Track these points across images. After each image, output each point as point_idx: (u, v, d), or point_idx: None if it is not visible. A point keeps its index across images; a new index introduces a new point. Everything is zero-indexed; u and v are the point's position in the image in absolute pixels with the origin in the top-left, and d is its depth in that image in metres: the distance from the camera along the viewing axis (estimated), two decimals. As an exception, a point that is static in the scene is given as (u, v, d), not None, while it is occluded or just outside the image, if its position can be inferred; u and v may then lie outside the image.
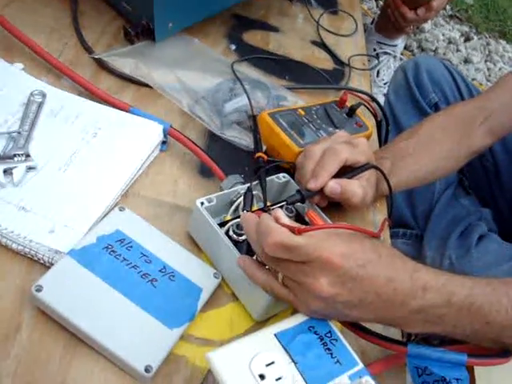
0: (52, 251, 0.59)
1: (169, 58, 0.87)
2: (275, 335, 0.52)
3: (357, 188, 0.68)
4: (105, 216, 0.63)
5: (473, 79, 2.04)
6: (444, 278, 0.54)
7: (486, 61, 2.17)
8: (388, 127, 1.03)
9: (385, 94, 1.53)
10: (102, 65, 0.85)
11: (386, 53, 1.60)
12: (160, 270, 0.60)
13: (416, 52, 2.04)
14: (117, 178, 0.68)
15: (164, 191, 0.72)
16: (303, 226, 0.51)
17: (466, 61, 2.13)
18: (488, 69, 2.14)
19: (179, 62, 0.86)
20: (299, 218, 0.70)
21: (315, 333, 0.54)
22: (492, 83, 2.08)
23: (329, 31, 1.16)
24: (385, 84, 1.60)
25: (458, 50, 2.15)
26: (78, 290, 0.55)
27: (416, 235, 1.11)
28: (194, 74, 0.85)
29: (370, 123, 0.91)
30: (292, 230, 0.50)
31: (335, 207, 0.74)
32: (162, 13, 0.87)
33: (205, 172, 0.75)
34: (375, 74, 1.59)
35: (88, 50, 0.87)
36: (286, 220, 0.53)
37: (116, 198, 0.67)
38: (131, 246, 0.61)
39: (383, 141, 1.01)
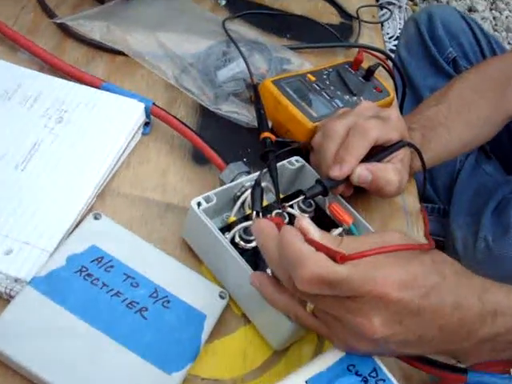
0: (10, 279, 0.45)
1: (147, 19, 0.71)
2: (307, 382, 0.40)
3: (391, 174, 0.54)
4: (76, 227, 0.50)
5: (479, 29, 1.88)
6: None
7: (491, 9, 2.01)
8: (405, 89, 0.89)
9: (393, 50, 1.38)
10: (67, 31, 0.70)
11: (390, 3, 1.44)
12: (151, 296, 0.47)
13: (418, 2, 1.87)
14: (90, 173, 0.54)
15: (150, 186, 0.58)
16: (344, 251, 0.37)
17: (471, 9, 1.97)
18: (494, 17, 1.98)
19: (160, 22, 0.71)
20: (318, 210, 0.57)
21: (357, 373, 0.42)
22: (499, 33, 1.93)
23: (331, -20, 1.00)
24: (390, 38, 1.44)
25: (461, -2, 1.99)
26: (45, 332, 0.42)
27: (439, 209, 0.99)
28: (178, 36, 0.70)
29: (390, 87, 0.77)
30: (332, 256, 0.37)
31: (357, 191, 0.60)
32: (135, -37, 0.71)
33: (199, 158, 0.61)
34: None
35: (49, 13, 0.72)
36: (316, 234, 0.39)
37: (90, 201, 0.53)
38: (112, 266, 0.48)
39: (398, 104, 0.87)
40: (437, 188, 1.00)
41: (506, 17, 1.99)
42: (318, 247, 0.38)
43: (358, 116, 0.55)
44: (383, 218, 0.64)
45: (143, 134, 0.62)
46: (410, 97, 1.00)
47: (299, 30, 0.85)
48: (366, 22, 0.92)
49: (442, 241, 0.94)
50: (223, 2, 0.84)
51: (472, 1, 1.99)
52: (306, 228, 0.40)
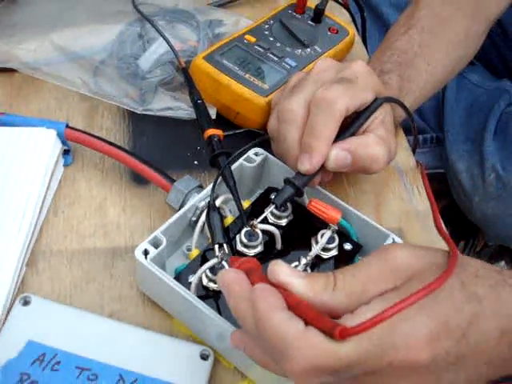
0: None
1: (38, 20, 0.57)
2: None
3: (375, 146, 0.43)
4: (4, 323, 0.39)
5: None
6: None
7: None
8: (364, 14, 0.76)
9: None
10: None
11: None
12: (115, 386, 0.37)
13: None
14: (8, 239, 0.43)
15: (88, 231, 0.47)
16: (341, 307, 0.27)
17: None
18: None
19: (54, 19, 0.57)
20: (297, 208, 0.46)
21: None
22: None
23: None
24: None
25: None
26: None
27: (431, 139, 0.87)
28: (78, 30, 0.56)
29: (347, 22, 0.64)
30: (328, 331, 0.26)
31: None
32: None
33: (139, 177, 0.49)
34: None
35: None
36: (300, 287, 0.29)
37: (17, 276, 0.42)
38: (59, 362, 0.37)
39: (361, 36, 0.75)
40: (423, 114, 0.88)
41: None
42: (308, 316, 0.27)
43: (317, 83, 0.43)
44: (376, 188, 0.54)
45: (65, 165, 0.50)
46: (370, 21, 0.87)
47: (225, -21, 0.72)
48: None
49: (442, 173, 0.84)
50: (128, -31, 0.70)
51: None
52: (283, 283, 0.29)
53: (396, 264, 0.30)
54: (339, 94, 0.41)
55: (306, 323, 0.27)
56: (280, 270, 0.30)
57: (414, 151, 0.57)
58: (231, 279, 0.32)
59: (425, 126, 0.89)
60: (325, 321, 0.27)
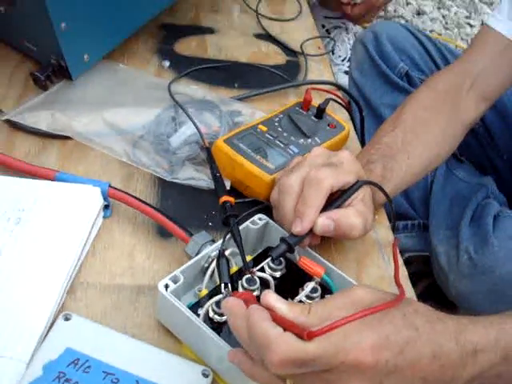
0: (-14, 401, 0.44)
1: (92, 98, 0.72)
2: None
3: (354, 218, 0.54)
4: (49, 330, 0.49)
5: (431, 31, 1.90)
6: (494, 330, 0.43)
7: (438, 8, 2.03)
8: (362, 114, 0.90)
9: (347, 72, 1.40)
10: (14, 125, 0.70)
11: (336, 27, 1.46)
12: (132, 389, 0.46)
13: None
14: (56, 272, 0.54)
15: (119, 271, 0.57)
16: (310, 325, 0.37)
17: (419, 13, 1.99)
18: (443, 16, 2.00)
19: (105, 99, 0.71)
20: (290, 265, 0.56)
21: None
22: (450, 31, 1.95)
23: (271, 19, 1.01)
24: (343, 61, 1.45)
25: (408, 3, 2.00)
26: None
27: (418, 225, 0.98)
28: (124, 110, 0.70)
29: (344, 120, 0.77)
30: (299, 335, 0.37)
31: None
32: (71, 45, 0.71)
33: (164, 231, 0.61)
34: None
35: (-5, 109, 0.72)
36: (283, 309, 0.39)
37: (60, 300, 0.52)
38: (89, 366, 0.47)
39: (359, 131, 0.88)
40: (413, 203, 1.00)
41: (455, 13, 2.00)
42: (286, 326, 0.37)
43: (310, 166, 0.55)
44: (358, 257, 0.64)
45: (104, 217, 0.62)
46: (371, 119, 1.01)
47: (247, 77, 0.86)
48: (311, 55, 0.93)
49: (427, 256, 0.94)
50: (167, 64, 0.85)
51: (419, 4, 2.01)
52: (271, 305, 0.40)
53: (355, 298, 0.40)
54: (327, 175, 0.53)
55: (285, 330, 0.38)
56: (270, 296, 0.40)
57: (393, 229, 0.68)
58: (232, 304, 0.42)
59: (414, 214, 1.01)
60: (298, 327, 0.37)
